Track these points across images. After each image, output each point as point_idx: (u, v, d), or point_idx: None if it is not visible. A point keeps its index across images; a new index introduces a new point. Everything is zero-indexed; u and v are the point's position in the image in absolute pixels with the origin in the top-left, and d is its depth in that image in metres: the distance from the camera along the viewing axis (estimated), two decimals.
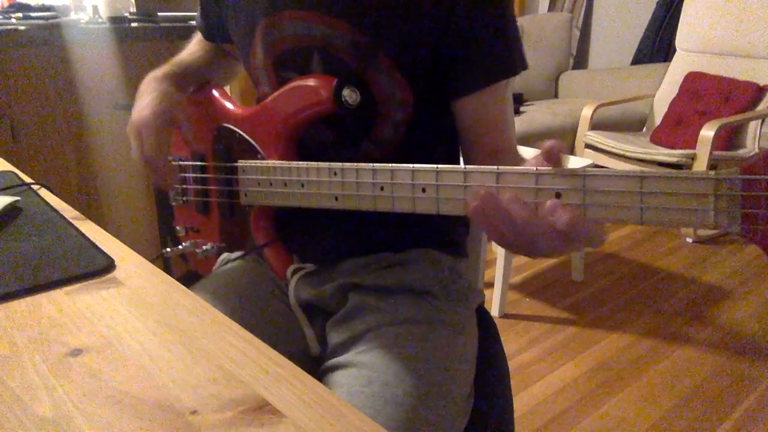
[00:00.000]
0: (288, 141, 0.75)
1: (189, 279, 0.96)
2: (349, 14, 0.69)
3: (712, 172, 0.43)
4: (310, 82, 0.71)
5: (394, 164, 0.59)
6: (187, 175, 0.89)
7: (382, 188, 0.60)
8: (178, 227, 0.95)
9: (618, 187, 0.46)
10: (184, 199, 0.92)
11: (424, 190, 0.57)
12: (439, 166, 0.56)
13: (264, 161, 0.75)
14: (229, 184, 0.81)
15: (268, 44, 0.75)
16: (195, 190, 0.89)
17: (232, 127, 0.82)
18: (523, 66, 0.72)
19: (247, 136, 0.79)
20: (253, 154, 0.78)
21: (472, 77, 0.70)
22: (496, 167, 0.52)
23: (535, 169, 0.50)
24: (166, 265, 1.01)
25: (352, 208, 0.64)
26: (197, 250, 0.88)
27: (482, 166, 0.53)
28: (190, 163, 0.87)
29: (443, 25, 0.68)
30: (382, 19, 0.69)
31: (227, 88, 0.99)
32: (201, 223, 0.91)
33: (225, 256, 0.89)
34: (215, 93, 0.88)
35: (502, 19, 0.69)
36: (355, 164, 0.62)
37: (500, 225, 0.49)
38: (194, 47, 0.95)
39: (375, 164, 0.61)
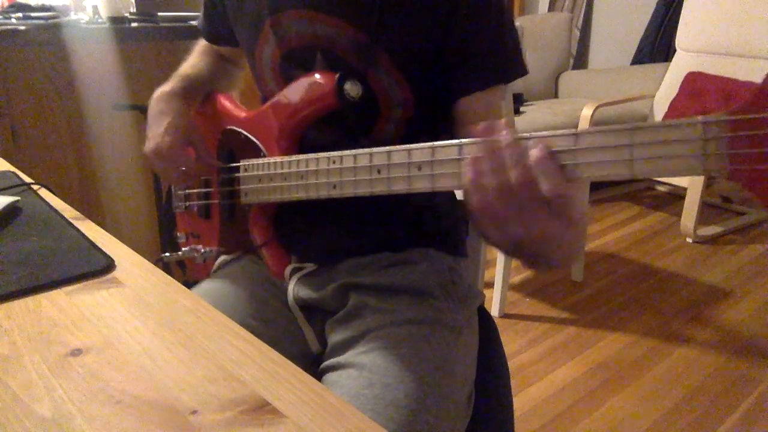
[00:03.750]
0: (291, 139, 0.76)
1: (187, 287, 0.96)
2: (350, 14, 0.70)
3: (699, 117, 0.43)
4: (313, 77, 0.72)
5: (390, 146, 0.60)
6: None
7: (379, 171, 0.61)
8: (178, 233, 0.96)
9: (609, 143, 0.46)
10: (187, 204, 0.93)
11: (419, 168, 0.58)
12: (435, 143, 0.56)
13: (265, 159, 0.75)
14: (230, 184, 0.81)
15: (274, 43, 0.76)
16: (198, 194, 0.89)
17: (236, 128, 0.82)
18: (523, 71, 0.74)
19: (250, 136, 0.79)
20: (256, 153, 0.78)
21: (471, 79, 0.71)
22: (490, 138, 0.52)
23: (529, 134, 0.50)
24: (165, 270, 1.01)
25: (350, 195, 0.64)
26: (195, 254, 0.88)
27: (477, 138, 0.53)
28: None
29: (443, 29, 0.69)
30: (383, 20, 0.69)
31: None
32: (201, 227, 0.91)
33: (222, 259, 0.89)
34: (221, 99, 0.89)
35: (501, 23, 0.70)
36: (353, 151, 0.63)
37: (494, 190, 0.48)
38: (195, 59, 0.95)
39: (372, 149, 0.61)
